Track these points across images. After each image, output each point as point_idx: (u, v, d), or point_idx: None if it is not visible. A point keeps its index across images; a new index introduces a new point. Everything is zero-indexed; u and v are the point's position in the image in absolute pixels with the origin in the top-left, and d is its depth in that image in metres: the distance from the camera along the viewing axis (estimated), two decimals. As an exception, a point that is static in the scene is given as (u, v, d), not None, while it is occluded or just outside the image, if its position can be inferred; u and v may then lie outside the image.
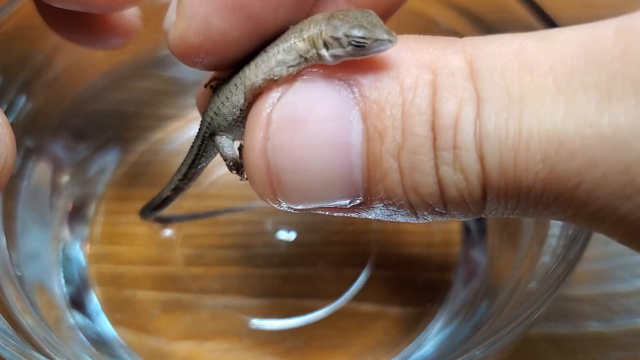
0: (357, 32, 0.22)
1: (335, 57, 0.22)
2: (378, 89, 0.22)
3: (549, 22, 0.36)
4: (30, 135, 0.42)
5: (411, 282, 0.42)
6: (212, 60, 0.25)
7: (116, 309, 0.41)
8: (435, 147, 0.21)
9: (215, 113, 0.26)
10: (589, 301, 0.41)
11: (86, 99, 0.46)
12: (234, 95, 0.25)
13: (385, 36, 0.21)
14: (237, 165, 0.27)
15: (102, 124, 0.48)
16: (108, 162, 0.47)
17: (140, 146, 0.49)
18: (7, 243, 0.38)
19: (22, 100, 0.41)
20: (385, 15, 0.28)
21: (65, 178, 0.45)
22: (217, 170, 0.45)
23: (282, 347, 0.40)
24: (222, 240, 0.44)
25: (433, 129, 0.21)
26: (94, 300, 0.41)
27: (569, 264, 0.30)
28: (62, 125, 0.45)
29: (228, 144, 0.27)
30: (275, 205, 0.24)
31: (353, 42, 0.22)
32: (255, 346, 0.40)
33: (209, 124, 0.27)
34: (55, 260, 0.42)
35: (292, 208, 0.24)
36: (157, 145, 0.49)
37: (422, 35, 0.23)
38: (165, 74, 0.49)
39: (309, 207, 0.24)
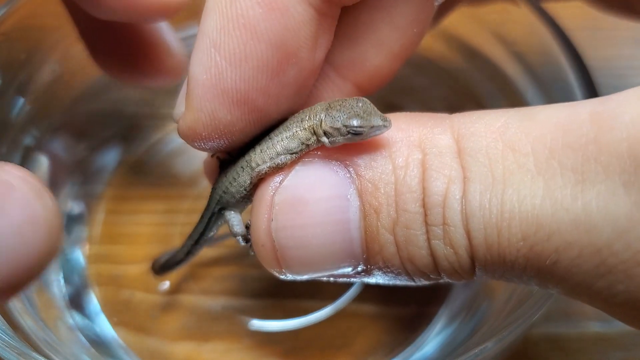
0: (354, 122, 0.24)
1: (335, 143, 0.25)
2: (372, 168, 0.24)
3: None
4: (30, 134, 0.42)
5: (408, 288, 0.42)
6: (220, 146, 0.27)
7: (115, 310, 0.41)
8: (426, 222, 0.23)
9: (224, 192, 0.29)
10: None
11: (86, 98, 0.46)
12: (240, 176, 0.27)
13: (380, 122, 0.24)
14: (245, 240, 0.29)
15: (102, 123, 0.48)
16: (108, 162, 0.48)
17: (140, 146, 0.49)
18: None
19: (21, 100, 0.41)
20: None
21: (64, 177, 0.45)
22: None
23: (281, 347, 0.40)
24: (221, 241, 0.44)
25: (424, 205, 0.23)
26: (93, 301, 0.41)
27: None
28: (62, 125, 0.45)
29: (237, 221, 0.30)
30: (282, 277, 0.26)
31: (351, 131, 0.24)
32: (254, 347, 0.40)
33: (218, 200, 0.30)
34: (55, 260, 0.42)
35: (297, 278, 0.26)
36: (157, 145, 0.49)
37: (411, 114, 0.25)
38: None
39: (313, 276, 0.26)
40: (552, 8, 0.38)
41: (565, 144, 0.21)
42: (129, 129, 0.49)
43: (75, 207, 0.45)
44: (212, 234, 0.32)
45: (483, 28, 0.42)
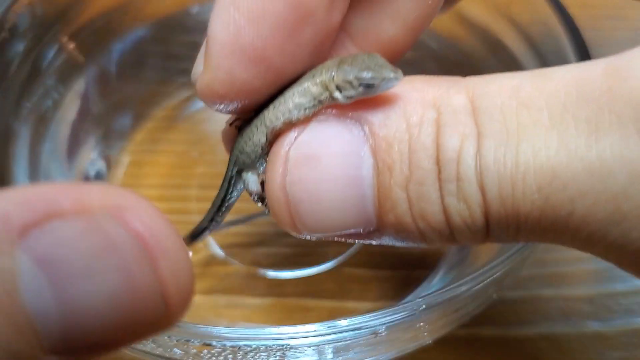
0: (366, 74, 0.24)
1: (347, 97, 0.25)
2: (387, 126, 0.24)
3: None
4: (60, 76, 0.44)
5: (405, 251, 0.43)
6: (236, 105, 0.27)
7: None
8: (440, 179, 0.23)
9: (240, 152, 0.29)
10: (588, 301, 0.41)
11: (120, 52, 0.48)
12: (255, 135, 0.28)
13: (392, 75, 0.24)
14: (261, 199, 0.30)
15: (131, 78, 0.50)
16: (125, 124, 0.49)
17: (158, 111, 0.50)
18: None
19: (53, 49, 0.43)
20: (395, 57, 0.31)
21: (87, 132, 0.47)
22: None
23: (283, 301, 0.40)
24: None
25: (437, 162, 0.23)
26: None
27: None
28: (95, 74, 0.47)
29: (253, 180, 0.30)
30: (295, 234, 0.26)
31: (363, 83, 0.24)
32: (257, 303, 0.41)
33: (235, 161, 0.30)
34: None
35: (311, 236, 0.26)
36: (175, 111, 0.50)
37: (427, 76, 0.25)
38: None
39: (326, 235, 0.26)
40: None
41: (579, 97, 0.21)
42: (151, 93, 0.51)
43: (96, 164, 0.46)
44: (233, 199, 0.32)
45: (490, 7, 0.43)
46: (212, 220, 0.35)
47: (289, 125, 0.26)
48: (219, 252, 0.43)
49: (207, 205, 0.33)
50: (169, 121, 0.50)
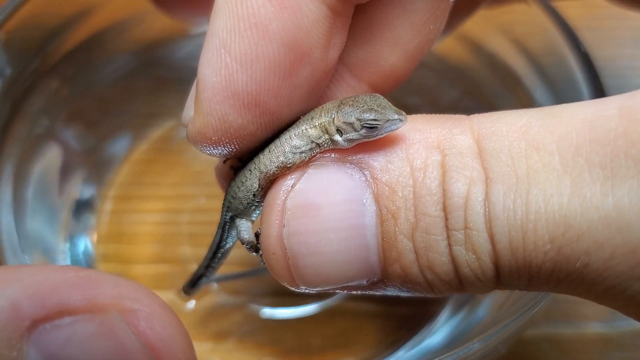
0: (369, 115, 0.23)
1: (348, 140, 0.24)
2: (389, 171, 0.23)
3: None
4: (41, 123, 0.43)
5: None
6: (230, 150, 0.26)
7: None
8: (447, 227, 0.22)
9: (232, 197, 0.28)
10: (590, 302, 0.41)
11: (98, 85, 0.47)
12: (248, 180, 0.26)
13: (395, 116, 0.23)
14: (255, 249, 0.28)
15: (115, 111, 0.49)
16: (117, 152, 0.48)
17: (147, 142, 0.49)
18: (17, 230, 0.39)
19: (36, 86, 0.42)
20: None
21: (75, 166, 0.46)
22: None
23: (282, 347, 0.40)
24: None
25: (444, 209, 0.22)
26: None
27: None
28: (73, 113, 0.46)
29: (245, 228, 0.28)
30: (294, 288, 0.25)
31: (366, 125, 0.23)
32: (255, 346, 0.40)
33: (228, 207, 0.28)
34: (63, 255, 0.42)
35: (310, 290, 0.25)
36: (171, 133, 0.49)
37: (429, 115, 0.24)
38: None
39: (327, 288, 0.25)
40: (554, 7, 0.38)
41: (593, 139, 0.20)
42: (140, 116, 0.49)
43: (82, 202, 0.45)
44: (228, 245, 0.31)
45: (492, 27, 0.42)
46: (208, 266, 0.34)
47: (284, 169, 0.25)
48: (224, 298, 0.42)
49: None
50: (155, 153, 0.49)
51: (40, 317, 0.18)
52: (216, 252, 0.32)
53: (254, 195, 0.27)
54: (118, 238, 0.45)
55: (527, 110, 0.22)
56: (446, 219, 0.22)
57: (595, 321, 0.40)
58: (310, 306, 0.41)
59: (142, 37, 0.46)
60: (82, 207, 0.45)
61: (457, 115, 0.24)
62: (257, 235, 0.28)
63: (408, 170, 0.22)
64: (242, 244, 0.29)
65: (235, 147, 0.26)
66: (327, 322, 0.40)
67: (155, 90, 0.50)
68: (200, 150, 0.26)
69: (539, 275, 0.21)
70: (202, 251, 0.43)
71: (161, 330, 0.19)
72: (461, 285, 0.23)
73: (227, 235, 0.30)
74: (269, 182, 0.25)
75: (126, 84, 0.48)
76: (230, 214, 0.29)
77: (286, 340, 0.40)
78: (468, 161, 0.22)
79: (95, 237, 0.44)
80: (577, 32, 0.37)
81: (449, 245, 0.22)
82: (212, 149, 0.26)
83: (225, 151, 0.26)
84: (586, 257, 0.20)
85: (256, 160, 0.26)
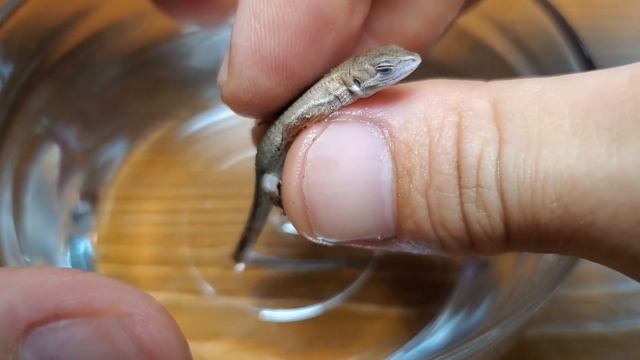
0: (381, 59, 0.24)
1: (366, 88, 0.25)
2: (407, 130, 0.23)
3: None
4: (41, 123, 0.43)
5: (412, 283, 0.42)
6: (260, 110, 0.28)
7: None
8: (460, 184, 0.22)
9: (260, 152, 0.29)
10: (590, 302, 0.41)
11: (98, 86, 0.47)
12: (272, 134, 0.28)
13: (407, 57, 0.24)
14: (277, 201, 0.29)
15: (114, 112, 0.49)
16: (115, 155, 0.48)
17: (146, 143, 0.49)
18: (17, 232, 0.38)
19: (35, 86, 0.42)
20: (420, 53, 0.30)
21: (74, 167, 0.46)
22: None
23: (282, 348, 0.40)
24: (221, 240, 0.44)
25: (458, 167, 0.22)
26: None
27: (570, 260, 0.30)
28: (74, 113, 0.46)
29: (269, 180, 0.29)
30: (311, 238, 0.26)
31: (380, 68, 0.24)
32: (255, 347, 0.40)
33: (256, 162, 0.30)
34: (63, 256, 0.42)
35: (326, 241, 0.26)
36: (170, 133, 0.49)
37: (449, 80, 0.25)
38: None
39: (342, 240, 0.25)
40: (554, 7, 0.38)
41: (603, 104, 0.21)
42: (137, 124, 0.50)
43: (82, 202, 0.45)
44: (265, 203, 0.32)
45: (493, 27, 0.42)
46: (249, 228, 0.35)
47: (304, 120, 0.26)
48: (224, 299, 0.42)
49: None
50: (155, 154, 0.49)
51: (37, 320, 0.18)
52: (254, 213, 0.33)
53: (277, 148, 0.28)
54: (118, 239, 0.45)
55: (543, 78, 0.23)
56: (459, 177, 0.22)
57: (595, 321, 0.40)
58: (311, 308, 0.41)
59: (142, 37, 0.46)
60: (81, 208, 0.45)
61: (477, 81, 0.24)
62: (279, 186, 0.29)
63: (425, 129, 0.23)
64: (265, 194, 0.30)
65: (264, 108, 0.27)
66: (327, 324, 0.40)
67: (155, 90, 0.50)
68: (234, 111, 0.28)
69: (547, 234, 0.22)
70: (203, 251, 0.43)
71: (157, 334, 0.19)
72: (472, 244, 0.23)
73: (261, 193, 0.31)
74: (292, 136, 0.26)
75: (126, 84, 0.48)
76: (258, 169, 0.30)
77: (286, 342, 0.40)
78: (483, 123, 0.22)
79: (95, 238, 0.44)
80: (577, 32, 0.37)
81: (461, 202, 0.22)
82: (244, 109, 0.27)
83: (256, 112, 0.28)
84: (591, 216, 0.20)
85: (281, 116, 0.28)
